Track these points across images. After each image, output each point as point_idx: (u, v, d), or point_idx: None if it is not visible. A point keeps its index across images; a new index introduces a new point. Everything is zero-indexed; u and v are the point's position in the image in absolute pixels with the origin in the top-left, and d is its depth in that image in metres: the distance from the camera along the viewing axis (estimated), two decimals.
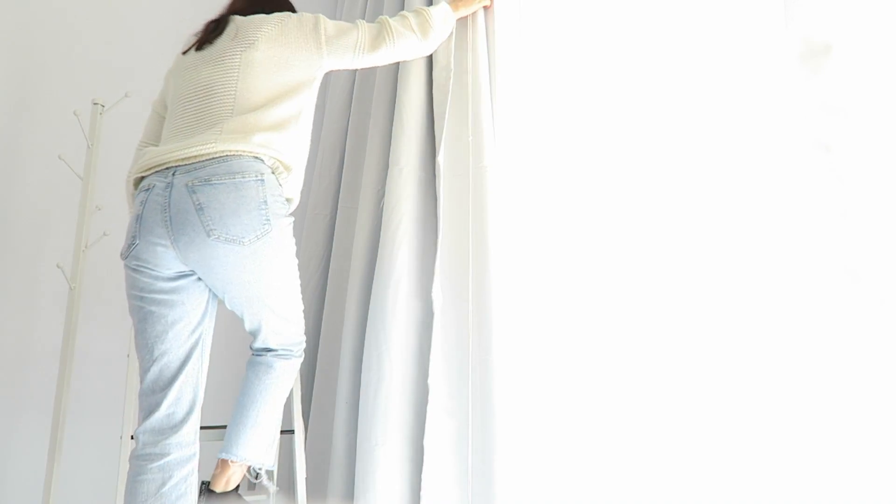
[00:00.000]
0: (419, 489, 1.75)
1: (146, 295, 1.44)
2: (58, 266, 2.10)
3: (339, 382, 2.01)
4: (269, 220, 1.40)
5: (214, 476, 1.57)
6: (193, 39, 1.75)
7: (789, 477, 1.19)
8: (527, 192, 1.84)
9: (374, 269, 1.99)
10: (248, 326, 1.57)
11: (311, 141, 2.67)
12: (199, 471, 1.47)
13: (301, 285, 2.31)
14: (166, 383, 1.41)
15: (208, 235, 1.36)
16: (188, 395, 1.43)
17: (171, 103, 1.64)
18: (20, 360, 2.30)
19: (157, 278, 1.43)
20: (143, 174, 1.50)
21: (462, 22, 1.99)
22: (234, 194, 1.38)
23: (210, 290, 1.50)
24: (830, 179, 1.20)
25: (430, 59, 2.04)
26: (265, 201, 1.40)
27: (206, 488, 1.56)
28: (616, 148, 1.62)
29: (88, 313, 2.27)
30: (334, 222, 2.32)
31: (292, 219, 1.54)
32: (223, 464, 1.57)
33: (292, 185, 1.59)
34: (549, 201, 1.78)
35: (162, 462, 1.36)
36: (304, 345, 1.69)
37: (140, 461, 1.37)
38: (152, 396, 1.41)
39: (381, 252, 1.94)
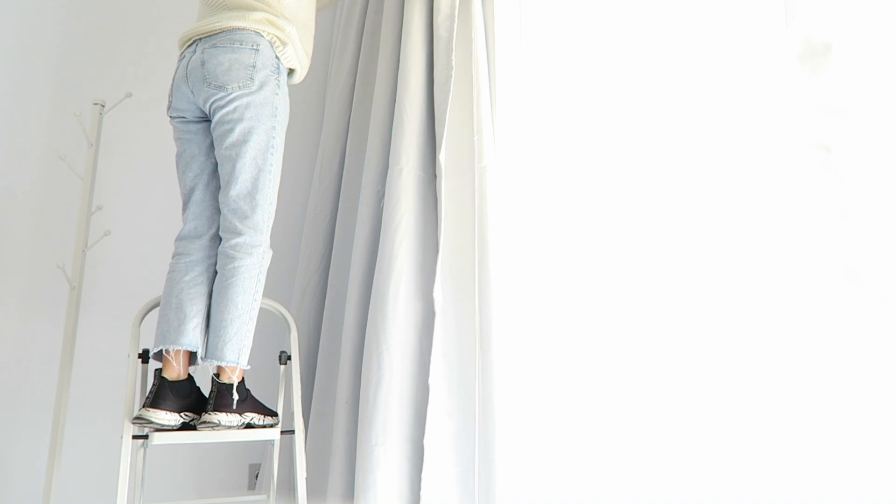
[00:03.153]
0: (419, 489, 1.75)
1: (180, 136, 1.83)
2: (58, 266, 2.10)
3: (340, 382, 2.02)
4: (252, 78, 1.72)
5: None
6: None
7: (789, 476, 1.19)
8: (527, 191, 1.84)
9: (374, 268, 1.99)
10: (220, 196, 1.77)
11: (311, 142, 2.69)
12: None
13: (301, 285, 2.31)
14: (186, 203, 1.84)
15: (205, 82, 1.73)
16: (206, 213, 1.81)
17: None
18: (20, 360, 2.30)
19: (185, 122, 1.82)
20: (181, 49, 1.86)
21: (463, 21, 2.00)
22: (230, 55, 1.74)
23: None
24: (830, 180, 1.19)
25: (430, 58, 2.04)
26: (254, 65, 1.74)
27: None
28: (616, 148, 1.62)
29: (89, 313, 2.27)
30: (335, 222, 2.32)
31: (285, 90, 1.81)
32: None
33: (290, 57, 1.85)
34: (549, 201, 1.78)
35: (187, 260, 1.78)
36: (264, 248, 1.75)
37: (173, 259, 1.82)
38: (183, 213, 1.84)
39: (380, 252, 1.94)
